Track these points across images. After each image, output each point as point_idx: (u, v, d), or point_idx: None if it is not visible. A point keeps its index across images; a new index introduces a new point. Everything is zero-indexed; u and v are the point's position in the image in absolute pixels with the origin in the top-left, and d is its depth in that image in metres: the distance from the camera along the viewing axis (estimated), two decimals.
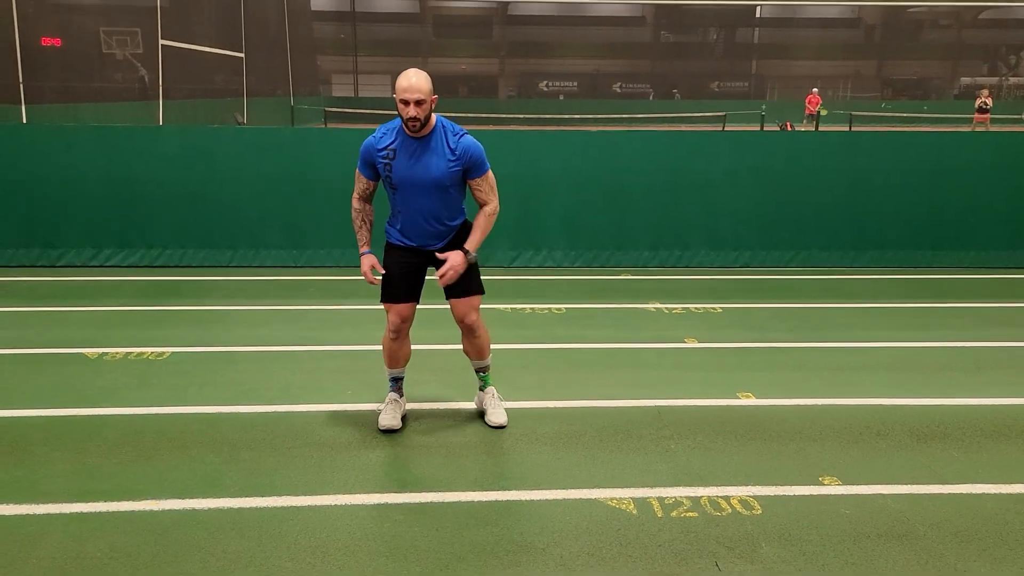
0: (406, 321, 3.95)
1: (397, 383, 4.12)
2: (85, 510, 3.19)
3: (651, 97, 46.72)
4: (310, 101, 35.05)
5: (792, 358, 5.23)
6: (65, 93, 19.69)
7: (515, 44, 50.00)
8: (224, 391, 4.49)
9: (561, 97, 47.73)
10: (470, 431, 4.02)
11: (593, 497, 3.36)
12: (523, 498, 3.35)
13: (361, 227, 3.98)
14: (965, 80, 48.94)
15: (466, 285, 3.91)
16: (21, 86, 17.24)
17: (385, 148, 3.76)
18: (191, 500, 3.28)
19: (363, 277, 3.89)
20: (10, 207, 7.55)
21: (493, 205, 3.91)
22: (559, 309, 6.31)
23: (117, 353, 5.09)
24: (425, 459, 3.71)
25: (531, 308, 6.31)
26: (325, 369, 4.91)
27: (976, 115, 24.38)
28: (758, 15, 50.56)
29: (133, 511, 3.19)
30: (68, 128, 7.93)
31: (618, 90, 49.03)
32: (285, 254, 7.77)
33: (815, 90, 28.90)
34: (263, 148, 7.78)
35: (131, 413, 4.16)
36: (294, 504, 3.28)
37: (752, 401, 4.43)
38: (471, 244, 3.84)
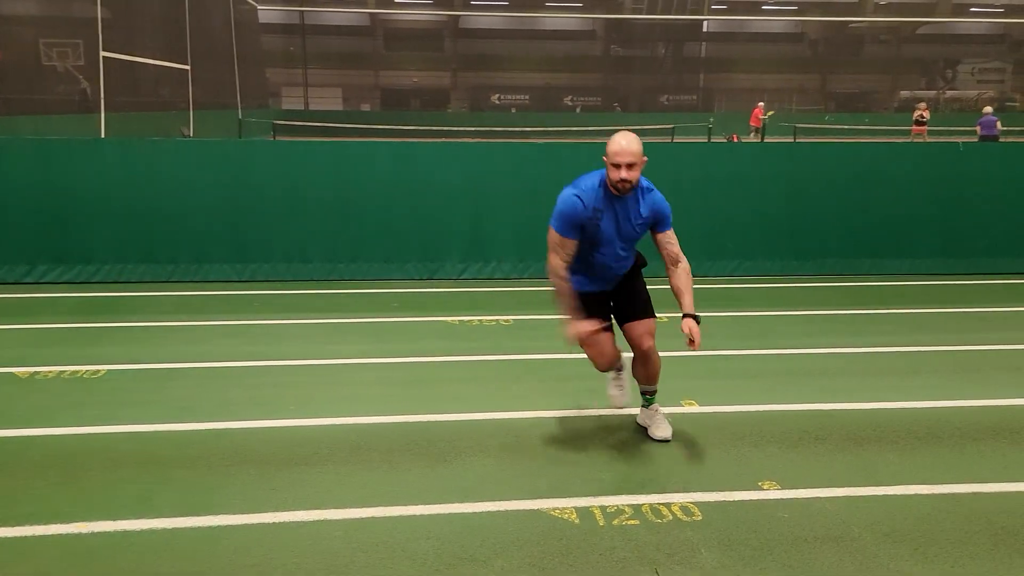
0: (611, 348, 3.95)
1: (619, 372, 4.17)
2: (10, 535, 3.08)
3: (578, 110, 47.24)
4: (259, 114, 34.64)
5: (735, 365, 5.29)
6: (3, 106, 19.16)
7: (467, 57, 50.11)
8: (160, 409, 4.38)
9: (513, 110, 47.95)
10: (413, 445, 3.98)
11: (536, 508, 3.35)
12: (466, 511, 3.32)
13: (564, 288, 3.85)
14: (904, 93, 50.39)
15: (642, 308, 3.95)
16: None
17: (594, 210, 3.72)
18: (122, 521, 3.19)
19: (577, 338, 3.80)
20: None
21: (685, 261, 3.96)
22: (507, 320, 6.31)
23: (50, 372, 4.94)
24: (365, 474, 3.66)
25: (479, 320, 6.29)
26: (265, 384, 4.82)
27: (914, 127, 25.08)
28: (705, 29, 51.48)
29: (61, 534, 3.09)
30: (3, 140, 7.70)
31: (570, 103, 49.43)
32: (229, 268, 7.64)
33: (761, 104, 29.46)
34: (207, 160, 7.65)
35: (61, 433, 4.04)
36: (230, 523, 3.20)
37: (695, 408, 4.47)
38: (691, 306, 3.86)
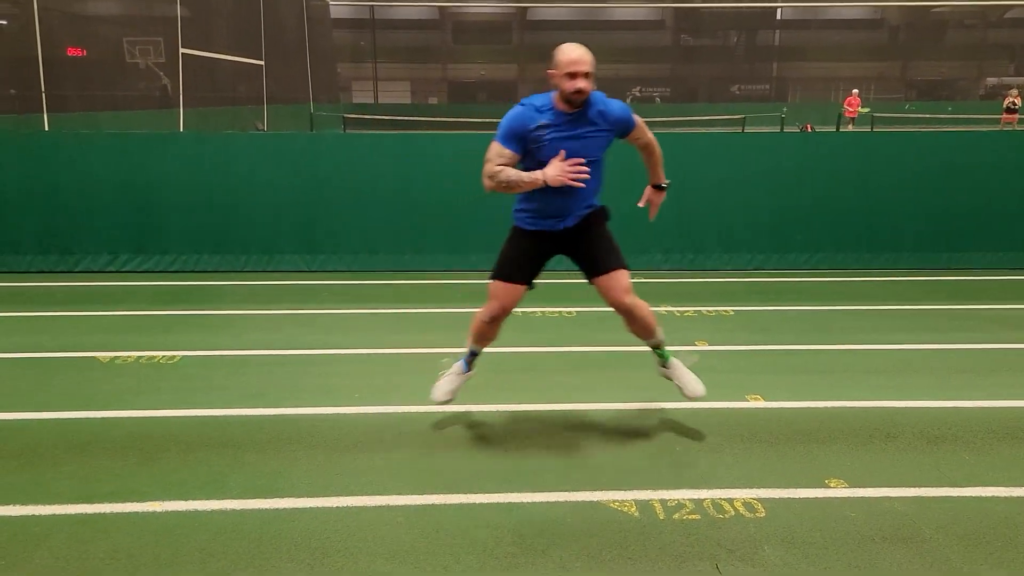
0: (510, 308, 3.81)
1: (475, 357, 4.06)
2: (89, 511, 3.22)
3: (657, 100, 46.52)
4: (329, 108, 35.29)
5: (803, 361, 5.17)
6: (89, 102, 19.97)
7: (534, 49, 50.02)
8: (232, 394, 4.52)
9: None
10: (474, 433, 4.02)
11: (595, 499, 3.34)
12: (525, 500, 3.34)
13: (510, 171, 3.58)
14: (991, 80, 48.35)
15: (613, 259, 3.76)
16: (43, 95, 17.51)
17: (539, 125, 3.53)
18: (194, 502, 3.30)
19: (560, 176, 3.50)
20: (29, 214, 7.66)
21: (656, 144, 3.89)
22: (570, 312, 6.30)
23: (128, 357, 5.15)
24: (428, 461, 3.71)
25: (542, 312, 6.30)
26: (334, 373, 4.92)
27: (1004, 115, 24.02)
28: (778, 17, 50.28)
29: (136, 512, 3.22)
30: (85, 135, 8.04)
31: (638, 94, 48.91)
32: (299, 259, 7.82)
33: (855, 91, 28.42)
34: (278, 154, 7.84)
35: (139, 416, 4.21)
36: (296, 506, 3.29)
37: (760, 404, 4.39)
38: (661, 177, 3.83)
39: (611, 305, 3.83)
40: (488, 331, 3.94)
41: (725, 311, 6.31)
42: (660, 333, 3.94)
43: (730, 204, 7.86)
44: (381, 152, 7.91)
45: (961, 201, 7.85)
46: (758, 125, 30.35)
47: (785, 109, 32.32)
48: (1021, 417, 4.20)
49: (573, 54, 3.48)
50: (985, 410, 4.30)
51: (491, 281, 3.86)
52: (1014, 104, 23.96)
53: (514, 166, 3.61)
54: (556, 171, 3.50)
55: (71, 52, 20.08)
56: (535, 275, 3.88)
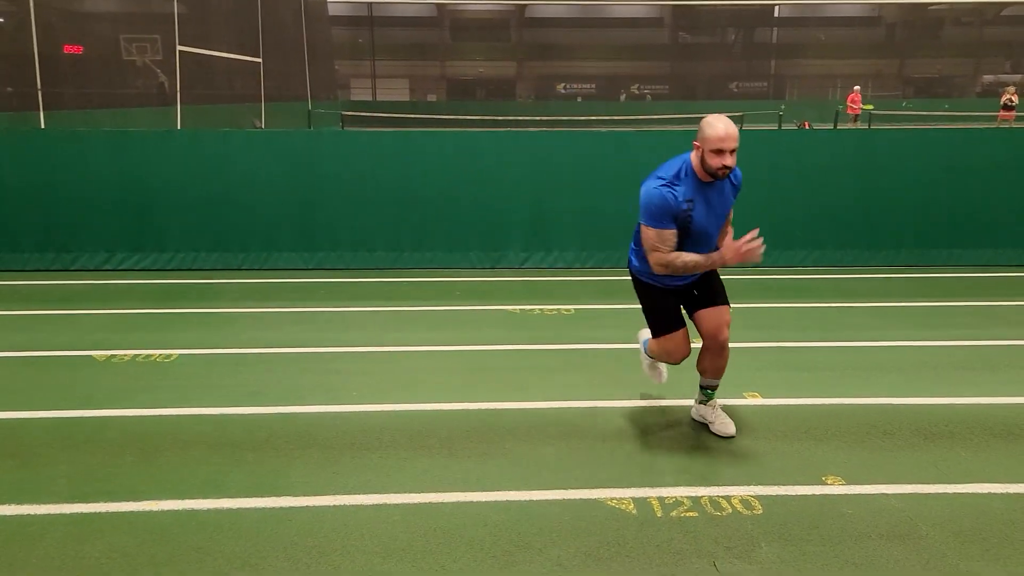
0: (687, 352, 3.90)
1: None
2: (86, 510, 3.22)
3: (648, 98, 46.47)
4: (328, 105, 35.25)
5: (801, 358, 5.17)
6: (85, 100, 19.94)
7: (532, 47, 50.03)
8: (230, 393, 4.51)
9: (579, 99, 47.71)
10: (472, 432, 4.01)
11: (593, 497, 3.34)
12: (522, 498, 3.34)
13: (688, 256, 3.64)
14: (988, 78, 48.35)
15: (719, 295, 3.84)
16: (39, 92, 17.47)
17: (686, 201, 3.60)
18: (191, 501, 3.30)
19: (738, 258, 3.56)
20: (26, 212, 7.65)
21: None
22: (568, 310, 6.29)
23: (125, 356, 5.14)
24: (425, 460, 3.70)
25: (540, 309, 6.29)
26: (332, 371, 4.92)
27: (1001, 112, 24.02)
28: (776, 14, 50.26)
29: (133, 512, 3.21)
30: (82, 133, 8.02)
31: (636, 91, 48.85)
32: (296, 256, 7.81)
33: (856, 88, 28.34)
34: (276, 151, 7.83)
35: (136, 415, 4.20)
36: (293, 505, 3.28)
37: (758, 401, 4.39)
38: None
39: (707, 338, 3.85)
40: (678, 361, 4.02)
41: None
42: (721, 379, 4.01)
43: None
44: (379, 150, 7.90)
45: (959, 198, 7.85)
46: (756, 122, 30.34)
47: (783, 106, 32.32)
48: (1018, 414, 4.20)
49: (721, 130, 3.49)
50: (982, 407, 4.30)
51: (657, 339, 3.95)
52: (1011, 101, 23.95)
53: (675, 240, 3.66)
54: (734, 253, 3.58)
55: (68, 49, 20.03)
56: (682, 316, 3.95)
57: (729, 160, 3.51)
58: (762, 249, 3.56)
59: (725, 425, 3.96)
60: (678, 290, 3.92)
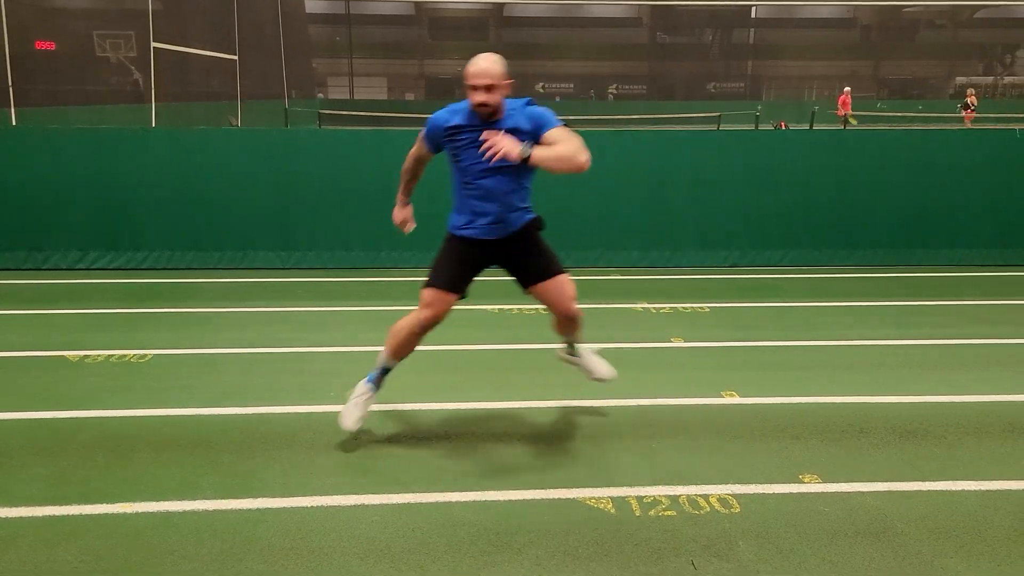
0: (442, 318, 3.66)
1: (384, 375, 3.84)
2: (58, 513, 3.17)
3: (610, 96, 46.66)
4: (305, 104, 35.03)
5: (778, 357, 5.21)
6: (58, 96, 19.68)
7: (511, 46, 49.96)
8: (205, 393, 4.47)
9: (557, 99, 47.77)
10: (451, 432, 4.00)
11: (571, 497, 3.34)
12: (501, 498, 3.33)
13: (408, 179, 3.96)
14: (960, 80, 49.01)
15: (551, 264, 3.70)
16: (11, 89, 17.21)
17: (454, 126, 3.53)
18: (166, 503, 3.26)
19: (398, 226, 3.81)
20: None
21: (573, 141, 3.43)
22: (546, 310, 6.27)
23: (99, 356, 5.07)
24: (404, 460, 3.68)
25: (518, 309, 6.29)
26: (309, 371, 4.88)
27: (965, 112, 24.62)
28: (753, 15, 50.64)
29: (106, 514, 3.17)
30: (55, 131, 7.90)
31: (615, 91, 49.00)
32: (274, 256, 7.76)
33: (847, 90, 28.41)
34: (253, 150, 7.76)
35: (109, 416, 4.14)
36: (270, 506, 3.25)
37: (735, 400, 4.42)
38: (536, 146, 3.39)
39: (557, 312, 3.77)
40: (413, 342, 3.74)
41: (701, 308, 6.34)
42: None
43: (706, 201, 7.90)
44: (357, 148, 7.85)
45: (934, 198, 7.95)
46: (733, 123, 30.54)
47: (760, 107, 32.54)
48: (990, 412, 4.26)
49: (473, 66, 3.45)
50: (956, 405, 4.35)
51: (425, 289, 3.68)
52: (971, 103, 24.59)
53: (428, 160, 3.88)
54: (398, 219, 3.84)
55: (40, 45, 19.76)
56: (469, 284, 3.75)
57: (483, 96, 3.41)
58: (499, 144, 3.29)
59: (601, 367, 4.01)
60: (478, 244, 3.66)
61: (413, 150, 3.87)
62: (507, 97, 3.54)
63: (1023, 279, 7.46)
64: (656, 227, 7.90)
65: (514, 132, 3.47)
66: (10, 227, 7.55)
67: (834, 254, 7.97)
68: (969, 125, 23.62)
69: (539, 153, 3.37)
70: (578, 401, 4.39)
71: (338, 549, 2.95)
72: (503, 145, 3.27)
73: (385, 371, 3.84)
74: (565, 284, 3.76)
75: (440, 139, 3.65)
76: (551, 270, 3.74)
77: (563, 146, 3.43)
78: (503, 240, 3.70)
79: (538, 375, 4.83)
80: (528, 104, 3.60)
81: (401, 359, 3.81)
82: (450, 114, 3.60)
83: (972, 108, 24.45)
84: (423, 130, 3.70)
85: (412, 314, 3.71)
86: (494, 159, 3.30)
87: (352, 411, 3.77)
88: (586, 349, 4.11)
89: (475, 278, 3.78)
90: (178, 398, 4.39)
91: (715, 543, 3.00)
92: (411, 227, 4.03)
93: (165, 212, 7.64)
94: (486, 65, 3.45)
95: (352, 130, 9.07)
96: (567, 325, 3.90)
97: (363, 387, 3.82)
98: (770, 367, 5.00)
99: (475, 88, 3.44)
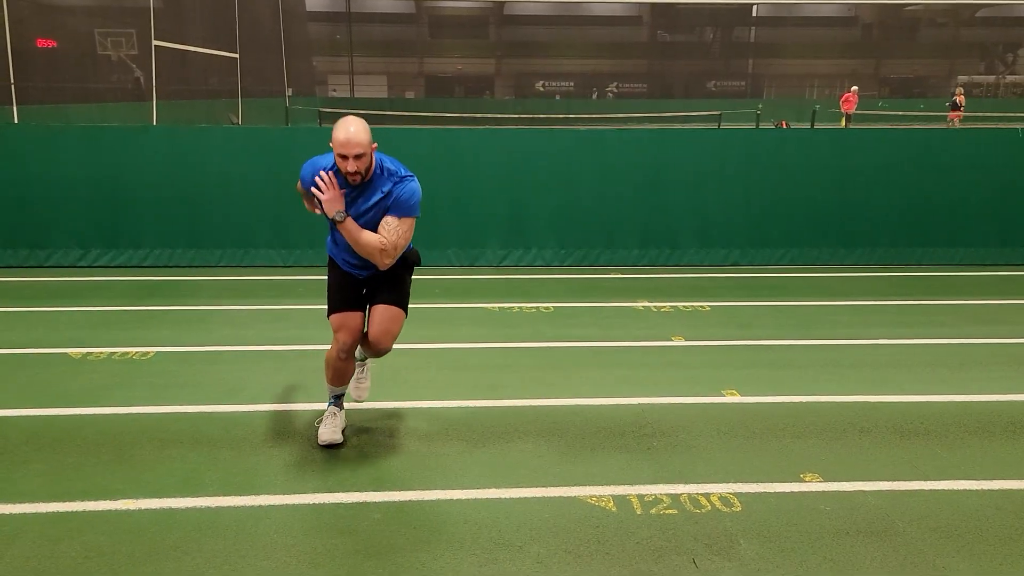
0: (356, 335, 3.68)
1: (339, 399, 3.86)
2: (61, 509, 3.18)
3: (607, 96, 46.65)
4: (305, 102, 35.02)
5: (778, 356, 5.21)
6: (60, 94, 19.66)
7: (511, 44, 49.98)
8: (207, 391, 4.47)
9: (558, 97, 47.73)
10: (451, 430, 4.01)
11: (573, 495, 3.35)
12: (502, 496, 3.34)
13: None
14: (962, 79, 48.97)
15: (393, 295, 3.65)
16: (12, 87, 17.20)
17: (317, 177, 3.48)
18: (168, 499, 3.27)
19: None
20: None
21: (387, 241, 3.48)
22: (547, 308, 6.30)
23: (101, 353, 5.07)
24: (404, 458, 3.69)
25: (519, 307, 6.29)
26: (309, 368, 4.87)
27: (950, 112, 24.69)
28: (754, 14, 50.57)
29: (109, 511, 3.18)
30: (56, 128, 7.90)
31: (615, 90, 48.95)
32: (274, 254, 7.76)
33: (854, 89, 28.35)
34: (253, 148, 7.75)
35: (112, 413, 4.15)
36: (272, 503, 3.26)
37: (736, 399, 4.42)
38: (351, 219, 3.46)
39: (370, 334, 3.67)
40: (345, 368, 3.76)
41: (702, 306, 6.35)
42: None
43: (707, 200, 7.90)
44: None
45: (934, 198, 7.95)
46: (734, 121, 30.53)
47: (760, 105, 32.51)
48: (991, 411, 4.26)
49: (342, 133, 3.35)
50: (957, 404, 4.36)
51: (330, 317, 3.70)
52: (959, 102, 24.61)
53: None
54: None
55: (41, 43, 19.74)
56: (362, 298, 3.76)
57: (353, 165, 3.37)
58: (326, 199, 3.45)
59: (360, 387, 3.99)
60: (347, 277, 3.71)
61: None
62: (380, 156, 3.54)
63: (1023, 278, 7.47)
64: (657, 225, 7.90)
65: (371, 195, 3.49)
66: (11, 225, 7.55)
67: (835, 253, 7.97)
68: (958, 124, 23.62)
69: (348, 227, 3.46)
70: (578, 400, 4.39)
71: (340, 547, 2.96)
72: (326, 198, 3.42)
73: (337, 397, 3.87)
74: (392, 314, 3.68)
75: (311, 193, 3.58)
76: (391, 299, 3.69)
77: (371, 236, 3.47)
78: (371, 276, 3.71)
79: (538, 373, 4.83)
80: (408, 180, 3.54)
81: (345, 383, 3.84)
82: (316, 165, 3.56)
83: (960, 107, 24.45)
84: (300, 175, 3.66)
85: (332, 346, 3.72)
86: (315, 209, 3.43)
87: (327, 430, 3.80)
88: (359, 384, 4.01)
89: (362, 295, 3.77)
90: (180, 395, 4.40)
91: (716, 542, 3.01)
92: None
93: (166, 210, 7.64)
94: (355, 132, 3.36)
95: None
96: (371, 351, 3.81)
97: (329, 409, 3.87)
98: (771, 366, 5.00)
99: (344, 157, 3.38)
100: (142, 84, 23.09)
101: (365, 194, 3.51)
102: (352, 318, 3.69)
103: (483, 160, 7.81)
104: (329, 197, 3.45)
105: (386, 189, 3.51)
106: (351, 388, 3.97)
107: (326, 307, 3.75)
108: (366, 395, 4.06)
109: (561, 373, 4.86)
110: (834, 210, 7.96)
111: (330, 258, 3.81)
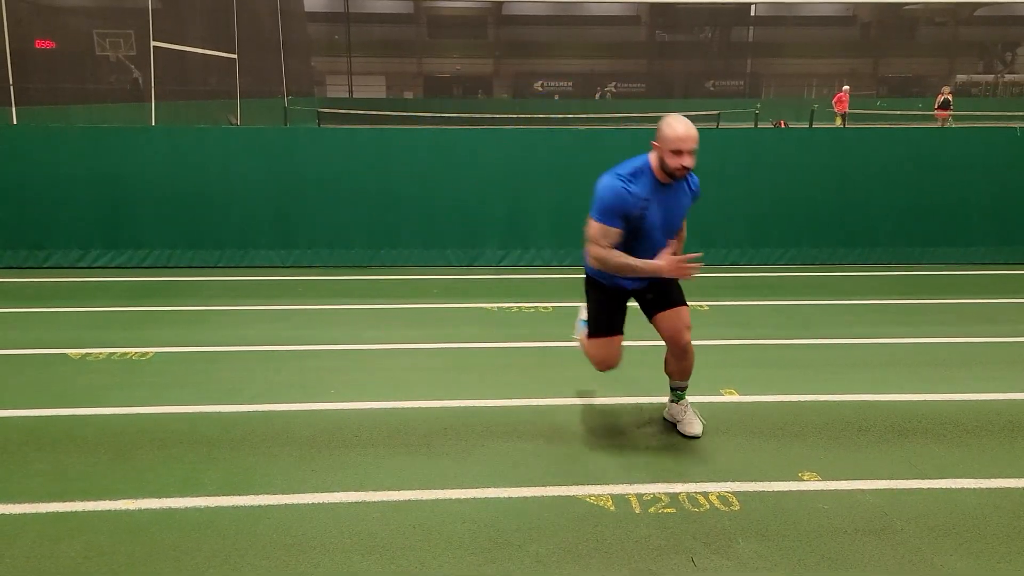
0: (615, 362, 3.91)
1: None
2: (61, 509, 3.18)
3: (607, 96, 46.63)
4: (304, 102, 35.00)
5: (777, 355, 5.22)
6: (58, 95, 19.66)
7: (509, 44, 50.01)
8: (206, 391, 4.48)
9: (556, 97, 47.74)
10: (451, 429, 4.01)
11: (571, 494, 3.36)
12: (501, 495, 3.34)
13: (623, 258, 3.63)
14: (961, 78, 49.00)
15: (676, 296, 3.81)
16: (11, 88, 17.20)
17: (642, 199, 3.58)
18: (168, 499, 3.27)
19: (676, 273, 3.56)
20: None
21: (683, 237, 3.99)
22: (546, 308, 6.30)
23: (100, 353, 5.08)
24: (404, 457, 3.70)
25: (518, 307, 6.30)
26: (308, 368, 4.89)
27: (937, 111, 24.67)
28: (753, 13, 50.60)
29: (109, 511, 3.18)
30: (56, 129, 7.91)
31: (614, 89, 48.96)
32: (274, 254, 7.76)
33: (846, 88, 28.41)
34: (252, 148, 7.76)
35: (111, 413, 4.15)
36: (271, 503, 3.27)
37: (735, 398, 4.43)
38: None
39: (669, 342, 3.83)
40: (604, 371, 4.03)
41: (700, 306, 6.35)
42: (689, 379, 4.00)
43: (705, 199, 7.83)
44: (356, 147, 7.86)
45: (933, 196, 7.96)
46: (733, 121, 30.55)
47: (759, 105, 32.55)
48: (990, 410, 4.27)
49: (681, 131, 3.49)
50: (955, 403, 4.36)
51: (591, 339, 3.92)
52: (947, 101, 24.60)
53: (617, 239, 3.65)
54: (672, 267, 3.54)
55: (40, 44, 19.74)
56: (623, 322, 3.94)
57: (687, 160, 3.51)
58: (698, 268, 3.59)
59: (691, 425, 3.94)
60: (625, 292, 3.86)
61: (601, 244, 3.63)
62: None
63: (1023, 277, 7.47)
64: None
65: (683, 190, 3.74)
66: (11, 225, 7.56)
67: (835, 252, 7.98)
68: (951, 123, 23.62)
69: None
70: (578, 399, 4.40)
71: (339, 546, 2.96)
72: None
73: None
74: (682, 315, 3.83)
75: (628, 212, 3.59)
76: (674, 302, 3.83)
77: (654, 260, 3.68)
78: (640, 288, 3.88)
79: (537, 373, 4.84)
80: (693, 175, 3.80)
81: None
82: (630, 187, 3.60)
83: (949, 106, 24.44)
84: (601, 214, 3.61)
85: (594, 365, 3.99)
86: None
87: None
88: (688, 404, 4.03)
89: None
90: (179, 395, 4.40)
91: (715, 540, 3.01)
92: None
93: (165, 210, 7.65)
94: (691, 128, 3.50)
95: (351, 128, 9.08)
96: (676, 358, 3.89)
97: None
98: (770, 365, 5.01)
99: (680, 152, 3.49)
100: (141, 85, 23.09)
101: (675, 194, 3.70)
102: (616, 343, 3.91)
103: (482, 160, 7.82)
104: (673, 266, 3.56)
105: (689, 186, 3.77)
106: (687, 426, 3.95)
107: (590, 329, 3.93)
108: (697, 429, 3.94)
109: (560, 372, 4.86)
110: (834, 210, 7.96)
111: (597, 283, 3.90)
